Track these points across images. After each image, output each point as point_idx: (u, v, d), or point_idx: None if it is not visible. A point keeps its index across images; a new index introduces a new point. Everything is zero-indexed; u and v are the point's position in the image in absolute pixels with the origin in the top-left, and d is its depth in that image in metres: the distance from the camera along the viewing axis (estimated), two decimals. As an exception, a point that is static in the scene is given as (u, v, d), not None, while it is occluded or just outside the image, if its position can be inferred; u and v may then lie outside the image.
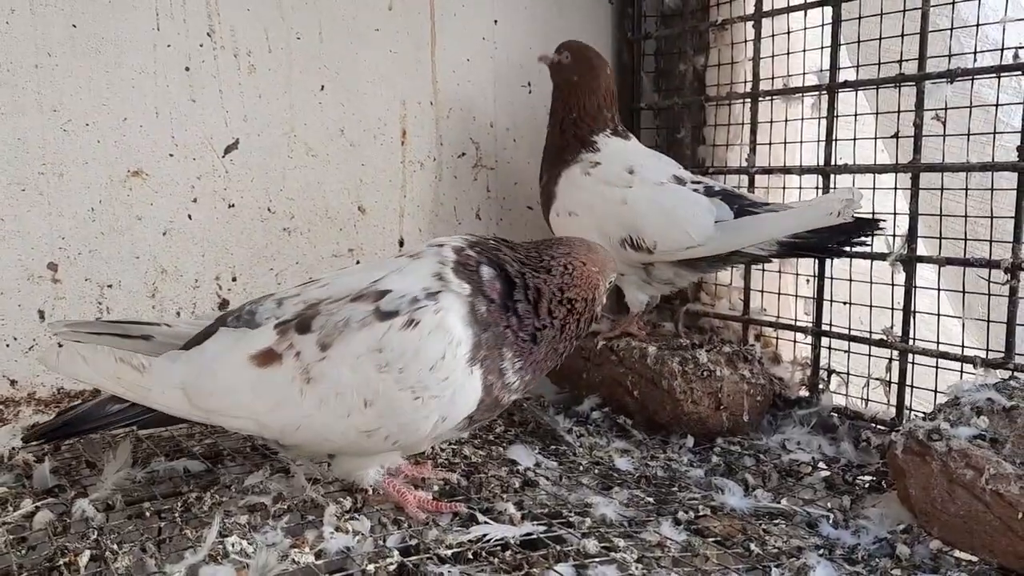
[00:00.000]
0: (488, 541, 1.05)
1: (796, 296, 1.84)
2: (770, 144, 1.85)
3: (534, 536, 1.08)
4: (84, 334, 1.24)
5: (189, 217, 1.73)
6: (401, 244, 1.96)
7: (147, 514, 1.13)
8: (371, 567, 0.96)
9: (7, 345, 1.59)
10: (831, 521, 1.26)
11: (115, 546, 1.02)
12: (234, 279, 1.78)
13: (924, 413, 1.40)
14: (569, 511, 1.20)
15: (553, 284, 1.18)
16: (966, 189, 1.51)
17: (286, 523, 1.08)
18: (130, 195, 1.67)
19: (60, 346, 1.22)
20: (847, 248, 1.60)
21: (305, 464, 1.25)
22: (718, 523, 1.24)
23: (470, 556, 1.02)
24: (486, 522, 1.09)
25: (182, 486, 1.22)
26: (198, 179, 1.73)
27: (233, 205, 1.77)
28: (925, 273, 1.60)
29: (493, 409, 1.18)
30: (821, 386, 1.74)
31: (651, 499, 1.32)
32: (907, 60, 1.56)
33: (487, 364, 1.12)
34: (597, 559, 1.02)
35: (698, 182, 1.70)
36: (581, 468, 1.47)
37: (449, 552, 1.01)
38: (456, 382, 1.09)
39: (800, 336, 1.81)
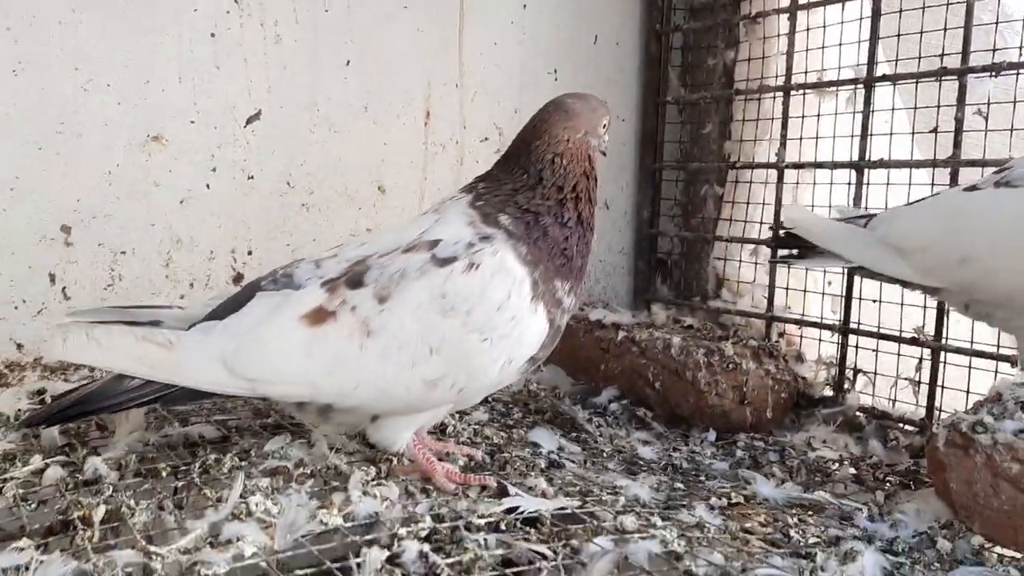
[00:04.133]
0: (521, 513, 1.00)
1: (823, 294, 1.80)
2: (801, 139, 1.82)
3: (568, 511, 1.04)
4: (88, 324, 1.10)
5: (207, 187, 1.68)
6: (420, 226, 1.91)
7: (163, 474, 1.08)
8: (403, 530, 0.91)
9: (15, 308, 1.54)
10: (867, 515, 1.22)
11: (131, 503, 0.97)
12: (250, 252, 1.73)
13: (966, 410, 1.36)
14: (600, 490, 1.16)
15: (552, 196, 1.14)
16: (1007, 185, 1.48)
17: (310, 487, 1.03)
18: (148, 160, 1.63)
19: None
20: None
21: (329, 435, 1.20)
22: (751, 511, 1.20)
23: (503, 527, 0.97)
24: (518, 494, 1.05)
25: (198, 450, 1.17)
26: (218, 148, 1.69)
27: (252, 177, 1.72)
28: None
29: (554, 340, 1.16)
30: (847, 386, 1.71)
31: (681, 485, 1.28)
32: (949, 54, 1.54)
33: (546, 298, 1.11)
34: (636, 534, 0.97)
35: None
36: (605, 454, 1.43)
37: (482, 521, 0.97)
38: (523, 320, 1.08)
39: (826, 335, 1.77)
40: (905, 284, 1.33)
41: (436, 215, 1.16)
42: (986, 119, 1.50)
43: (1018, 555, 1.11)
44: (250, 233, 1.73)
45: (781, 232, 1.41)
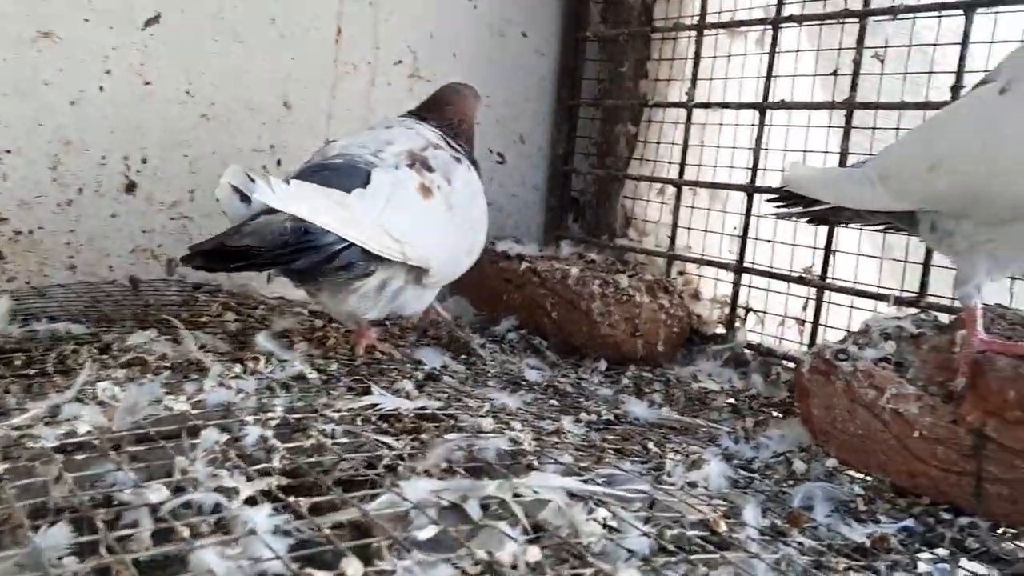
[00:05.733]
0: (379, 409, 1.00)
1: (722, 234, 1.83)
2: (711, 79, 1.83)
3: (428, 411, 1.04)
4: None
5: (101, 89, 1.63)
6: (327, 147, 1.88)
7: (16, 363, 1.06)
8: (251, 419, 0.90)
9: None
10: (732, 437, 1.25)
11: (-25, 385, 0.95)
12: (144, 161, 1.69)
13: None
14: (469, 399, 1.17)
15: (463, 139, 1.47)
16: (897, 129, 1.51)
17: (166, 379, 1.02)
18: (38, 57, 1.56)
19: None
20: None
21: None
22: (619, 427, 1.22)
23: (358, 421, 0.97)
24: (381, 394, 1.05)
25: (60, 344, 1.14)
26: (113, 50, 1.63)
27: (149, 83, 1.67)
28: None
29: None
30: (738, 323, 1.74)
31: (555, 402, 1.29)
32: (852, -4, 1.55)
33: None
34: (490, 433, 0.98)
35: None
36: (489, 374, 1.43)
37: (336, 415, 0.97)
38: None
39: (722, 274, 1.80)
40: (885, 226, 1.34)
41: (411, 128, 1.40)
42: (882, 62, 1.52)
43: (868, 478, 1.15)
44: (145, 141, 1.68)
45: (777, 192, 1.42)
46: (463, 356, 1.53)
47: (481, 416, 1.06)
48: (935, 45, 1.45)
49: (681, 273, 1.89)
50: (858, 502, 1.05)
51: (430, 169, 1.30)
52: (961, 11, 1.38)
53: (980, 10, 1.36)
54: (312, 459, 0.83)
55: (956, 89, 1.36)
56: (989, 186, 1.04)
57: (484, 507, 0.73)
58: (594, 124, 2.15)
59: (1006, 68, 1.07)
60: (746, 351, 1.68)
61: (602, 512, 0.76)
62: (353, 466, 0.83)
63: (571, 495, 0.77)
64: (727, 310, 1.76)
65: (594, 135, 2.16)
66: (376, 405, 1.01)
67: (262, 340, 1.18)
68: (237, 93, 1.76)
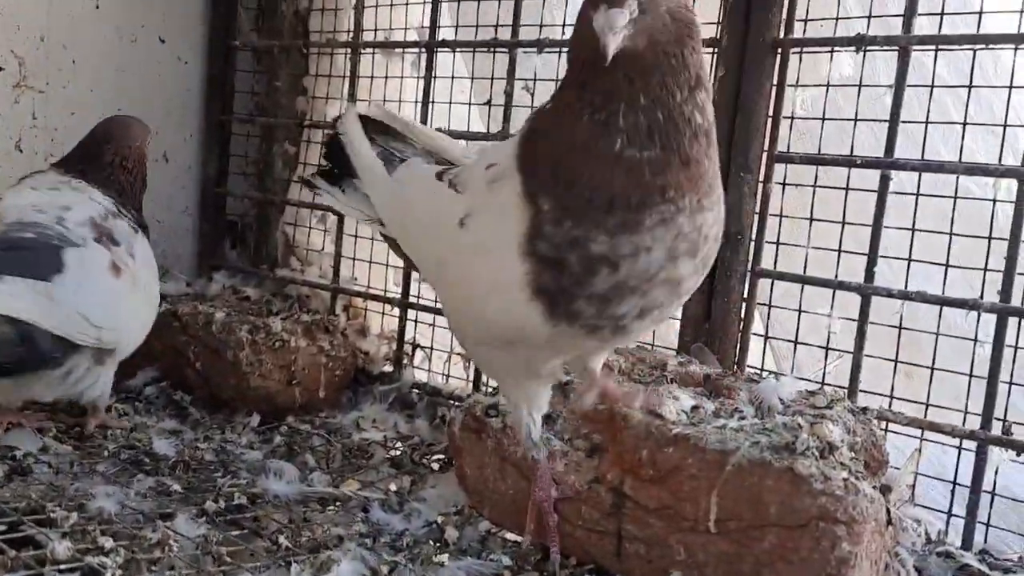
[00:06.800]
0: None
1: (388, 265, 1.73)
2: (369, 101, 1.73)
3: (-19, 542, 0.83)
4: None
5: None
6: (-99, 171, 1.53)
7: None
8: None
9: None
10: (383, 506, 1.15)
11: None
12: None
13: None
14: (57, 505, 0.96)
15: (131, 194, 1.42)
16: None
17: None
18: None
19: None
20: None
21: None
22: (255, 513, 1.08)
23: None
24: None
25: None
26: None
27: None
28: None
29: None
30: (405, 361, 1.66)
31: (179, 487, 1.12)
32: (503, 25, 1.52)
33: None
34: (61, 565, 0.79)
35: None
36: (105, 454, 1.22)
37: None
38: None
39: (389, 308, 1.70)
40: None
41: (81, 192, 1.33)
42: (532, 95, 1.50)
43: (520, 539, 1.10)
44: None
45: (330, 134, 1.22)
46: (77, 429, 1.30)
47: (65, 536, 0.86)
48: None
49: (347, 308, 1.77)
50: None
51: (116, 243, 1.29)
52: (601, 49, 1.38)
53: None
54: None
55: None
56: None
57: None
58: (251, 142, 1.96)
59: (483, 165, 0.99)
60: (413, 391, 1.60)
61: None
62: None
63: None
64: (394, 347, 1.67)
65: (251, 154, 1.97)
66: None
67: None
68: None
